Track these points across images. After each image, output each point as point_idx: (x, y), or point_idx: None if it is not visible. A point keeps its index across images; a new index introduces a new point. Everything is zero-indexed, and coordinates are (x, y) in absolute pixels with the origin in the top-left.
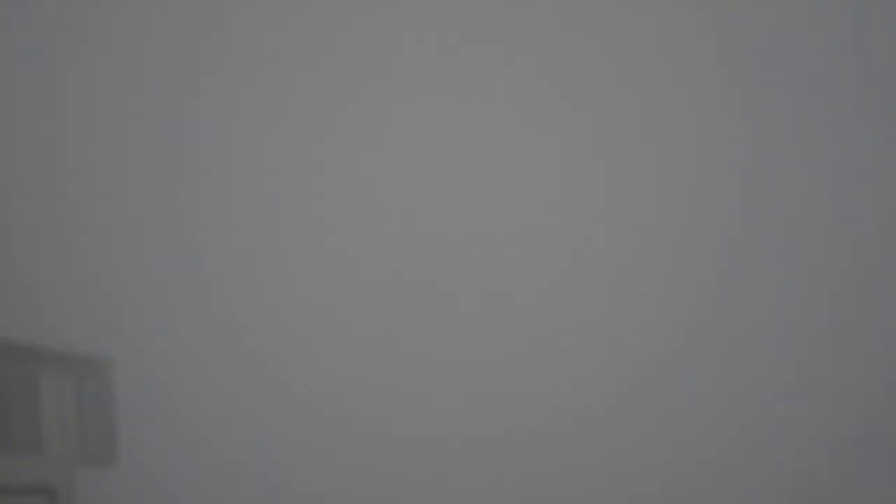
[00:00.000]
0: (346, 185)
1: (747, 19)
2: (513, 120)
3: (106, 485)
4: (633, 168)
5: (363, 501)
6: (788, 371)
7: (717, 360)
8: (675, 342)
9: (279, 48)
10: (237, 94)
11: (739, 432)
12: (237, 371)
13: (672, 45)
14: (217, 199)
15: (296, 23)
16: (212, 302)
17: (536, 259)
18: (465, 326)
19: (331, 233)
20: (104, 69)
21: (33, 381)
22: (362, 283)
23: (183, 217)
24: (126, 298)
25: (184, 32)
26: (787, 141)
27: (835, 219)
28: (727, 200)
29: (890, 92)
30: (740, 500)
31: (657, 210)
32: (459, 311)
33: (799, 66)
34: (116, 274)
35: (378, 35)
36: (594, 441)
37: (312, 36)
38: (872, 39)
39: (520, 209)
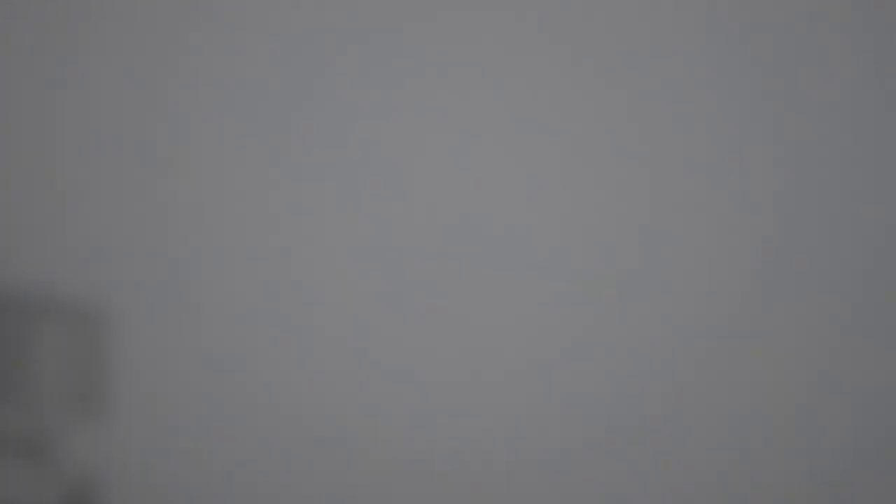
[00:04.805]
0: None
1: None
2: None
3: (101, 437)
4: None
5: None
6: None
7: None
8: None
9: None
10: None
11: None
12: (243, 329)
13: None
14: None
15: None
16: (222, 248)
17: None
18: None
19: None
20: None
21: (27, 331)
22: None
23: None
24: (126, 244)
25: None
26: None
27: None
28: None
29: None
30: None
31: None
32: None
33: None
34: (114, 218)
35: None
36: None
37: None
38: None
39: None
